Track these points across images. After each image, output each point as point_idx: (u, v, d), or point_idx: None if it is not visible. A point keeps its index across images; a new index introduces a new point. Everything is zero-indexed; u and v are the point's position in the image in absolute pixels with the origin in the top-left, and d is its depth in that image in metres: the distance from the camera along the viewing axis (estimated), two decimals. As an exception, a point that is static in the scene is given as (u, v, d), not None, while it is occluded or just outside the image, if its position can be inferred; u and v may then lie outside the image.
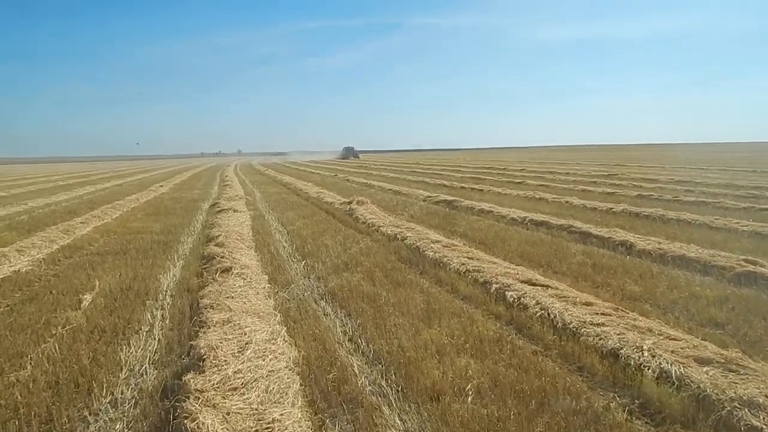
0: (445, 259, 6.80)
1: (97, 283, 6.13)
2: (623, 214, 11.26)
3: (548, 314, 4.53)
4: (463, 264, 6.42)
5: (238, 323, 4.27)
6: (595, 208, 12.35)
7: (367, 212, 11.69)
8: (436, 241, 7.81)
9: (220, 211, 12.57)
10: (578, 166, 34.31)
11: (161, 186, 23.50)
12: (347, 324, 4.74)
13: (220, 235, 8.72)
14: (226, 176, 30.28)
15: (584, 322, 4.25)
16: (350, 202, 13.19)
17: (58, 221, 11.36)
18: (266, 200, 16.37)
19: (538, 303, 4.80)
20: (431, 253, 7.20)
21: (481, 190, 18.28)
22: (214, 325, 4.25)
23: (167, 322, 4.90)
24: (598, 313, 4.43)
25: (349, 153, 73.26)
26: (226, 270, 6.31)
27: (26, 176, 38.96)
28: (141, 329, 4.69)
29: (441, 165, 42.05)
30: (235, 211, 12.55)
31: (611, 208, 12.00)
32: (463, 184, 20.80)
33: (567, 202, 13.74)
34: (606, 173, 25.58)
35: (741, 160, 36.04)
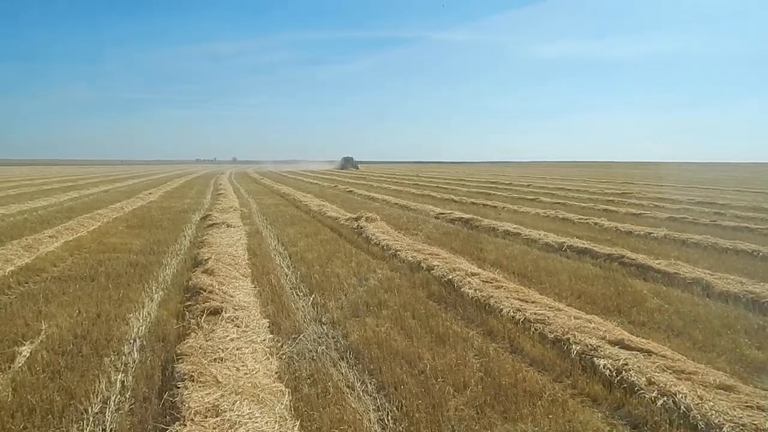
0: (492, 300, 5.41)
1: (44, 326, 4.68)
2: (668, 241, 9.95)
3: (676, 405, 3.15)
4: (519, 310, 5.03)
5: (228, 417, 2.85)
6: (631, 232, 11.06)
7: (378, 231, 10.30)
8: (473, 274, 6.42)
9: (211, 225, 11.14)
10: (585, 183, 33.25)
11: (150, 194, 21.96)
12: (384, 410, 3.33)
13: (210, 258, 7.29)
14: (220, 184, 28.79)
15: (742, 426, 2.87)
16: (358, 219, 11.79)
17: (25, 233, 9.86)
18: (263, 213, 14.94)
19: (651, 382, 3.41)
20: (470, 291, 5.81)
21: (495, 206, 16.97)
22: (192, 420, 2.83)
23: (127, 396, 3.46)
24: (751, 407, 3.06)
25: (348, 163, 71.85)
26: (215, 312, 4.88)
27: (11, 179, 37.12)
28: (87, 411, 3.25)
29: (442, 178, 40.73)
30: (228, 225, 11.12)
31: (650, 233, 10.71)
32: (472, 200, 19.51)
33: (596, 224, 12.42)
34: (618, 191, 24.48)
35: (746, 181, 35.30)
